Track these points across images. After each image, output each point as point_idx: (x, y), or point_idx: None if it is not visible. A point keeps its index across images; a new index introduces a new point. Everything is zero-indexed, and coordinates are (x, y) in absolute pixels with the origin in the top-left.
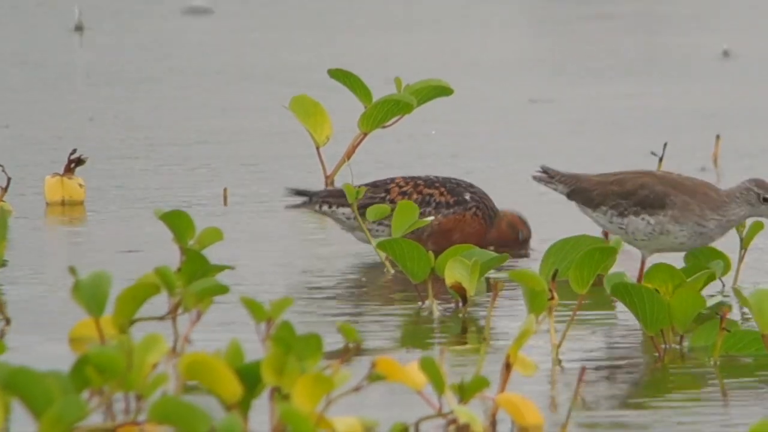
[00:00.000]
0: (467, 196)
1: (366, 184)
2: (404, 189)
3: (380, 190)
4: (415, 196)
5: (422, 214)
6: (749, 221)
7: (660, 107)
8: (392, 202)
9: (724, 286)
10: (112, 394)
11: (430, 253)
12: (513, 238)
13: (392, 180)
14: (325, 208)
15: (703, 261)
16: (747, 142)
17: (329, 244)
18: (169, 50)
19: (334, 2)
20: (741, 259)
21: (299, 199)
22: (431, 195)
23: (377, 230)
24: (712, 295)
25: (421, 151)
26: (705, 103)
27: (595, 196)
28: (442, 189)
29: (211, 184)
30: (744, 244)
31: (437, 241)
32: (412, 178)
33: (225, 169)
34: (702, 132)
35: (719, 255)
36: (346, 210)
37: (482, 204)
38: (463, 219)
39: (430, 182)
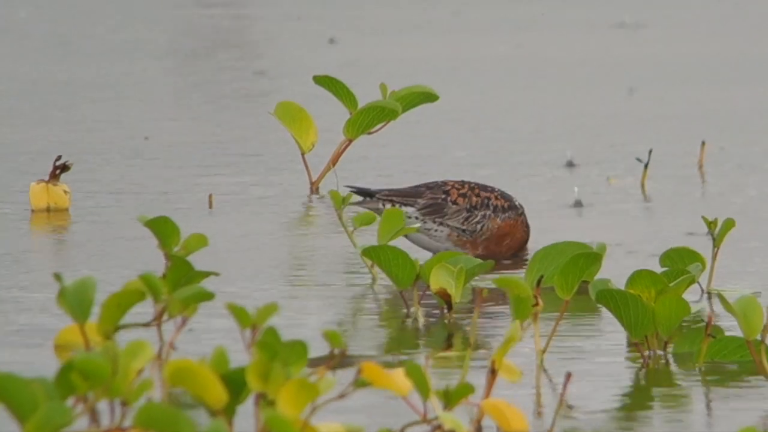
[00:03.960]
0: (516, 202)
1: (417, 186)
2: (462, 191)
3: (438, 191)
4: (474, 198)
5: (483, 218)
6: (721, 218)
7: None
8: (454, 203)
9: (702, 290)
10: (97, 401)
11: (417, 260)
12: (525, 240)
13: (444, 182)
14: (388, 206)
15: (680, 263)
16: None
17: (315, 249)
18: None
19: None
20: (714, 257)
21: (358, 198)
22: (488, 198)
23: (437, 230)
24: (696, 301)
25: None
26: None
27: None
28: (495, 193)
29: (195, 188)
30: (716, 243)
31: (489, 247)
32: (463, 182)
33: (210, 173)
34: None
35: (696, 256)
36: (410, 209)
37: (524, 210)
38: (516, 224)
39: (482, 186)
